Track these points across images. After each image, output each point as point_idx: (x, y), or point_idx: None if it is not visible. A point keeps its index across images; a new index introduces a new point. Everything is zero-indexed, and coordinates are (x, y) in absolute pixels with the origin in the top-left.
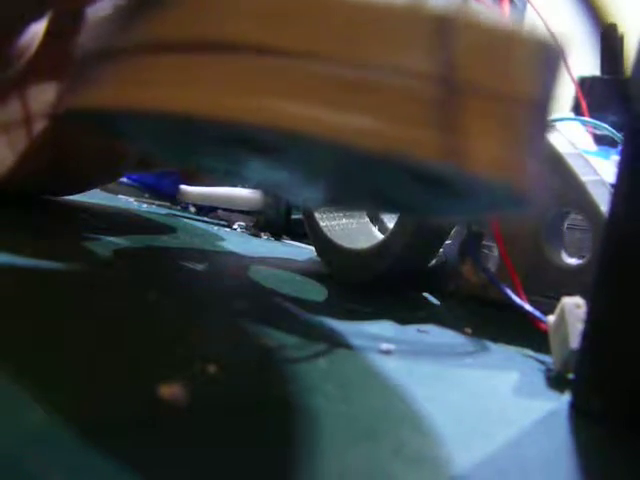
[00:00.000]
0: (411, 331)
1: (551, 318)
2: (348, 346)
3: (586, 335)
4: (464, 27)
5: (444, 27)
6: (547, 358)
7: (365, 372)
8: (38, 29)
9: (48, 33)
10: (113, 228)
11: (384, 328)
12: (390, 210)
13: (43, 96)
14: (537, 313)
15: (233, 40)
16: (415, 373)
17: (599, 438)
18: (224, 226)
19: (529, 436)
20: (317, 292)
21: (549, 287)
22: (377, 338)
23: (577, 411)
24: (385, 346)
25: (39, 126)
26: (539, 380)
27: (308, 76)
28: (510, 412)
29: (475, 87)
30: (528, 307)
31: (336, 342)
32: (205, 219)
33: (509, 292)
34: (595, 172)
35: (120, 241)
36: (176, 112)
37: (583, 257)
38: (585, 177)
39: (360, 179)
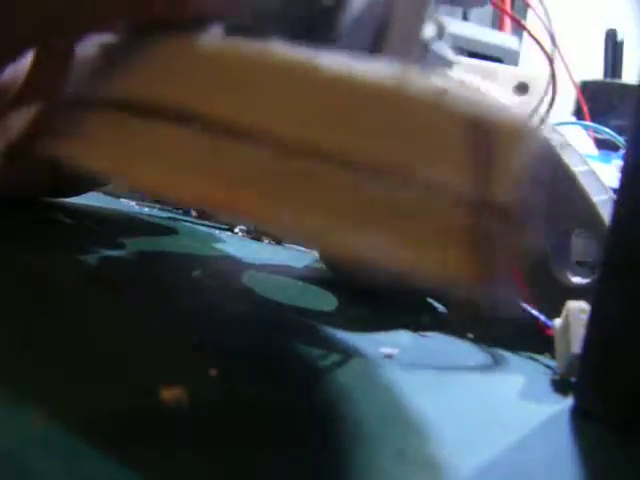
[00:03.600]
0: (414, 336)
1: (557, 322)
2: (351, 351)
3: (588, 339)
4: (505, 141)
5: (481, 136)
6: (552, 362)
7: (367, 377)
8: (24, 64)
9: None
10: (113, 231)
11: (387, 333)
12: None
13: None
14: (543, 318)
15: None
16: (418, 378)
17: (601, 441)
18: (226, 230)
19: (532, 440)
20: (319, 297)
21: (555, 306)
22: (380, 342)
23: (579, 414)
24: (388, 351)
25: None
26: (543, 384)
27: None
28: (513, 416)
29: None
30: (534, 312)
31: (338, 347)
32: (206, 223)
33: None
34: (605, 190)
35: (120, 243)
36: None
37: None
38: (596, 197)
39: None
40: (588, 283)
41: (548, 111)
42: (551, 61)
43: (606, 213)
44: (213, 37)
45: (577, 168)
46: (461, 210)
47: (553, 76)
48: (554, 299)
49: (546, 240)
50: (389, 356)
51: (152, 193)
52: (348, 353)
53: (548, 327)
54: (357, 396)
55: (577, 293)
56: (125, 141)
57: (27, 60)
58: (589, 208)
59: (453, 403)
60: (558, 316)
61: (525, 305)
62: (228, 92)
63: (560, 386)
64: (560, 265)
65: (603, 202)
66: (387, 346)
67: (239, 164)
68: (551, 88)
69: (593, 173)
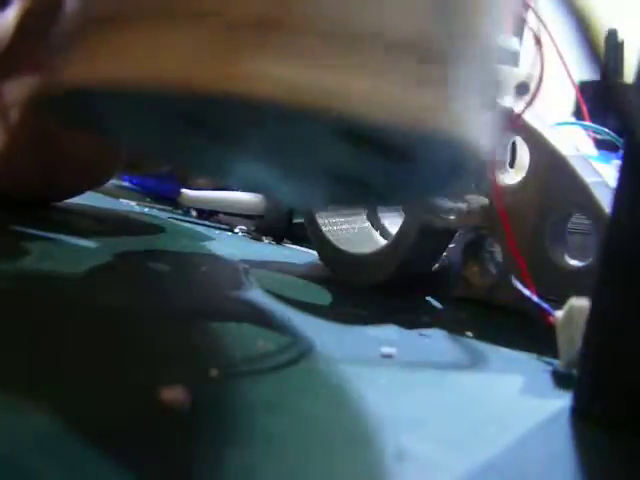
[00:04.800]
0: (413, 335)
1: (559, 314)
2: (349, 349)
3: (587, 336)
4: None
5: None
6: (554, 361)
7: (365, 376)
8: (6, 25)
9: (21, 29)
10: (112, 232)
11: (386, 332)
12: (361, 198)
13: (19, 89)
14: (546, 306)
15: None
16: (416, 377)
17: (600, 441)
18: (226, 230)
19: (530, 439)
20: (319, 296)
21: (552, 289)
22: (379, 341)
23: (578, 413)
24: (386, 350)
25: (15, 116)
26: (545, 382)
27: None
28: (512, 415)
29: None
30: (537, 300)
31: (337, 346)
32: (206, 223)
33: (518, 285)
34: (598, 174)
35: (119, 244)
36: (148, 83)
37: (586, 259)
38: (589, 179)
39: (312, 159)
40: (585, 266)
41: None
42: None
43: (600, 195)
44: None
45: (570, 153)
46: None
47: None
48: (551, 284)
49: (543, 224)
50: (388, 356)
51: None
52: (346, 352)
53: (550, 315)
54: (354, 396)
55: (574, 277)
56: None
57: (8, 23)
58: (583, 190)
59: (452, 402)
60: (556, 302)
61: (525, 290)
62: None
63: (561, 384)
64: (556, 248)
65: (597, 184)
66: (385, 345)
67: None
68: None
69: (585, 158)
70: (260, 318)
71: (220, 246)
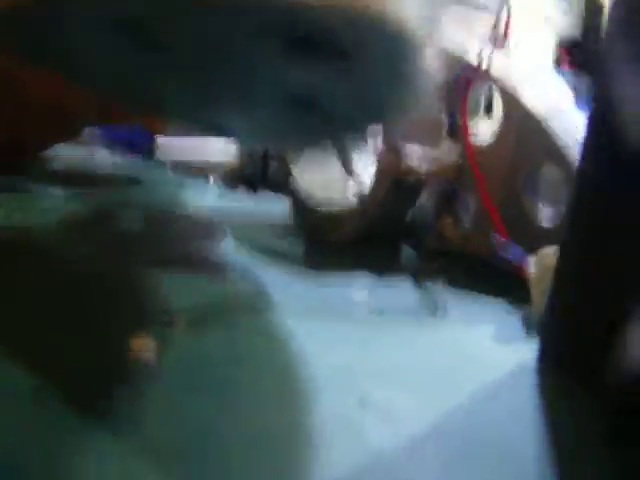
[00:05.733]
0: (384, 284)
1: (531, 265)
2: (317, 300)
3: (553, 290)
4: None
5: None
6: (526, 307)
7: (332, 327)
8: None
9: None
10: (85, 183)
11: (357, 281)
12: (317, 129)
13: None
14: (519, 257)
15: None
16: (384, 326)
17: (565, 388)
18: (200, 179)
19: (496, 388)
20: (292, 245)
21: (525, 239)
22: (349, 290)
23: (544, 361)
24: (357, 297)
25: None
26: (515, 329)
27: None
28: (480, 363)
29: None
30: (510, 251)
31: (305, 296)
32: (180, 173)
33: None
34: (570, 125)
35: (91, 196)
36: None
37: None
38: (560, 130)
39: (264, 83)
40: (556, 223)
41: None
42: None
43: (570, 145)
44: None
45: (542, 104)
46: None
47: None
48: (525, 234)
49: (515, 174)
50: (358, 303)
51: None
52: (313, 303)
53: (523, 266)
54: (320, 347)
55: (547, 233)
56: None
57: None
58: (554, 140)
59: (419, 350)
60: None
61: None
62: None
63: (531, 331)
64: (529, 198)
65: (568, 135)
66: (358, 294)
67: None
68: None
69: (558, 109)
70: (230, 269)
71: (194, 196)
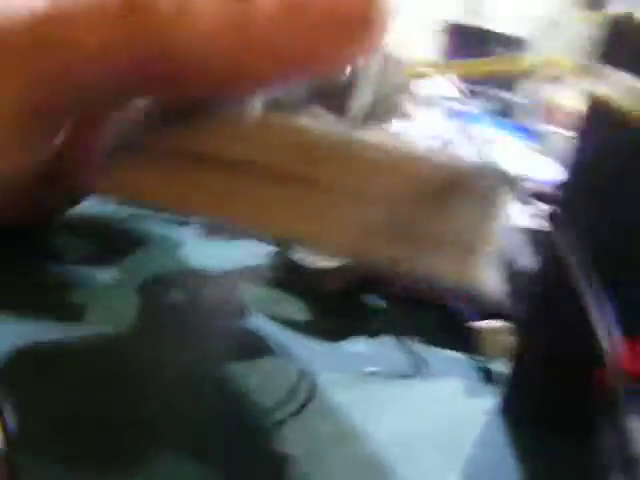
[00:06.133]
0: (382, 345)
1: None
2: (335, 370)
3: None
4: None
5: None
6: (480, 362)
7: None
8: None
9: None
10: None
11: (359, 346)
12: None
13: None
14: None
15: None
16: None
17: (524, 437)
18: (179, 223)
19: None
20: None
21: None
22: (360, 359)
23: (505, 415)
24: (370, 368)
25: None
26: (472, 385)
27: None
28: (448, 417)
29: None
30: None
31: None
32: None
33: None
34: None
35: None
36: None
37: None
38: None
39: None
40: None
41: None
42: None
43: None
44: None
45: None
46: None
47: None
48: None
49: None
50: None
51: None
52: (331, 375)
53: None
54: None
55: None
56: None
57: None
58: None
59: (379, 411)
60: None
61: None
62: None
63: (492, 382)
64: None
65: None
66: (367, 362)
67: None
68: None
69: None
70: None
71: (194, 254)
